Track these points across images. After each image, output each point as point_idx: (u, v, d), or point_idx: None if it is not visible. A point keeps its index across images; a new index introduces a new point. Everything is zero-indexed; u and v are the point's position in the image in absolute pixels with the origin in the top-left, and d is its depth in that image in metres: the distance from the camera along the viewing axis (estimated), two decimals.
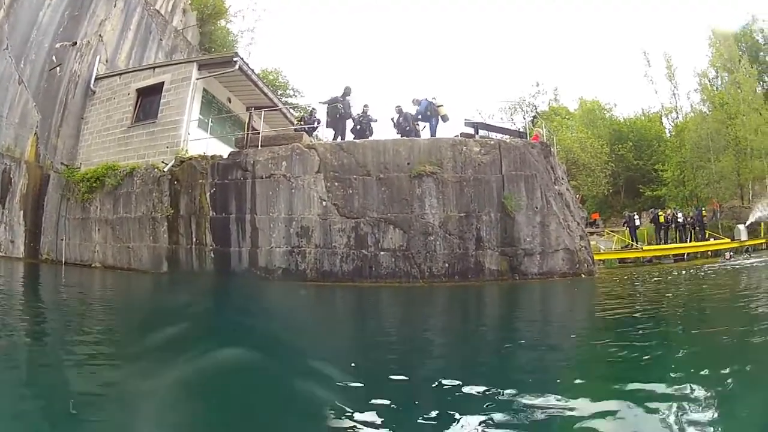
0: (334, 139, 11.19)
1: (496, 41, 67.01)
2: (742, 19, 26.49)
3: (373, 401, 2.61)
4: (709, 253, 16.53)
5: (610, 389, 2.75)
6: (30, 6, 11.29)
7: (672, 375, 2.88)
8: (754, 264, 12.35)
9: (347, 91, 11.28)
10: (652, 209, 19.57)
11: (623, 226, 17.66)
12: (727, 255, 14.96)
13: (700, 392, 2.53)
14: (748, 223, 18.63)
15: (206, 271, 9.75)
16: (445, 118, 11.12)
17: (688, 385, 2.61)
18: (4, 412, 2.40)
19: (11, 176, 11.54)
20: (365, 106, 11.57)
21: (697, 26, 56.71)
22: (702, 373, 2.98)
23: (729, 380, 2.78)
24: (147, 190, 10.40)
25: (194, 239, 9.84)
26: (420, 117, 11.18)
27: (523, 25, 66.12)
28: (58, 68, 12.07)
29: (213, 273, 9.71)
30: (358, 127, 11.27)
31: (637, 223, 17.14)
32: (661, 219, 17.00)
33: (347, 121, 11.28)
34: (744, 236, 17.63)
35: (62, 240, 11.58)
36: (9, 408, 2.47)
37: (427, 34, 71.94)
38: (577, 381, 3.08)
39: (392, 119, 11.42)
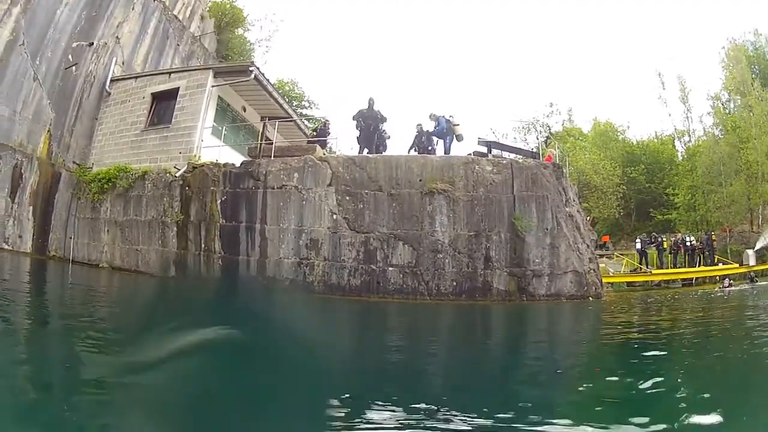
0: (360, 152, 11.13)
1: (513, 59, 66.90)
2: (756, 38, 26.10)
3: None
4: (717, 277, 16.35)
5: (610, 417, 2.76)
6: (48, 3, 11.34)
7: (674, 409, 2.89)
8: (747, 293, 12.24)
9: (371, 103, 11.23)
10: (654, 234, 18.29)
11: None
12: (726, 282, 14.17)
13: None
14: (757, 247, 18.40)
15: (213, 277, 9.74)
16: (459, 138, 11.10)
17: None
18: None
19: (22, 171, 11.55)
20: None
21: (714, 41, 56.29)
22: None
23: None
24: (158, 194, 10.42)
25: (203, 246, 9.84)
26: (435, 134, 11.15)
27: (540, 45, 66.00)
28: (73, 67, 12.12)
29: (220, 280, 9.70)
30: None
31: (638, 246, 16.86)
32: (665, 245, 16.72)
33: (373, 132, 11.20)
34: (752, 261, 17.41)
35: (71, 238, 11.60)
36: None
37: (444, 51, 71.90)
38: (578, 410, 3.09)
39: (417, 132, 11.34)
